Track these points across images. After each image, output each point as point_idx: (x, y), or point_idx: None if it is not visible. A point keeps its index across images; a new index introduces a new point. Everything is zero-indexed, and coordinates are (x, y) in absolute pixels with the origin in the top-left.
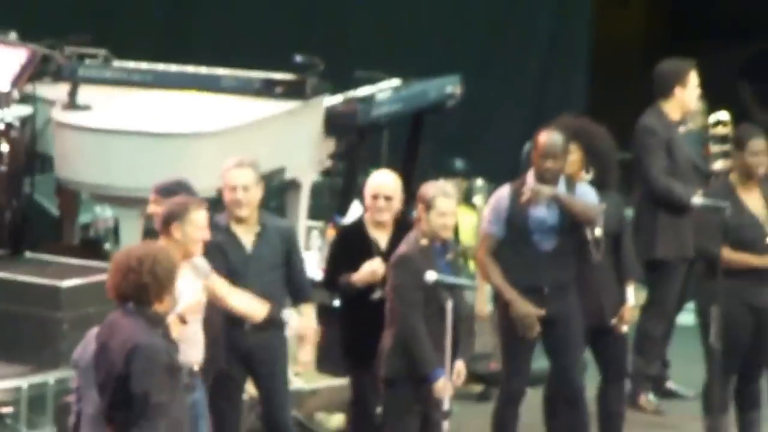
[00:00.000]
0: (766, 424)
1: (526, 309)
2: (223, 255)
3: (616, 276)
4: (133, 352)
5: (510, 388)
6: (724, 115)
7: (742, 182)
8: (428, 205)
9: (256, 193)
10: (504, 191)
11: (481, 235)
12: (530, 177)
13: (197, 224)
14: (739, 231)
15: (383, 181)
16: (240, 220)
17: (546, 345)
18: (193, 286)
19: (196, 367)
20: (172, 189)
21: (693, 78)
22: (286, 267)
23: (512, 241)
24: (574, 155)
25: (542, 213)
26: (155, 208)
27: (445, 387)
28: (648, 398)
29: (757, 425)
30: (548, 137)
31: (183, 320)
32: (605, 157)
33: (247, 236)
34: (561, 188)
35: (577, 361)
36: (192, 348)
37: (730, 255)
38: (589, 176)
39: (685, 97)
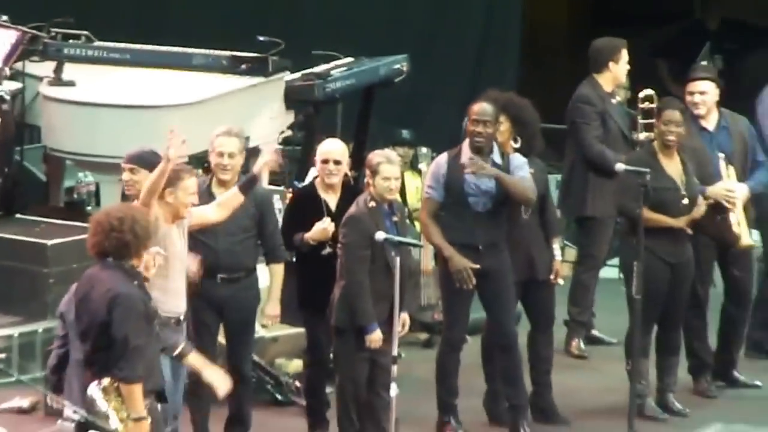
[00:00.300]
0: (682, 369)
1: (462, 263)
2: None
3: (543, 234)
4: (114, 301)
5: (450, 336)
6: (650, 92)
7: (662, 150)
8: (374, 171)
9: (239, 160)
10: (442, 159)
11: (423, 199)
12: (465, 146)
13: (188, 190)
14: (658, 194)
15: (332, 148)
16: (222, 183)
17: (481, 298)
18: (180, 243)
19: (182, 318)
20: (150, 158)
21: (625, 55)
22: (257, 229)
23: (450, 204)
24: (504, 126)
25: (477, 179)
26: (130, 176)
27: (378, 339)
28: (579, 344)
29: (674, 369)
30: (479, 106)
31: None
32: (531, 126)
33: None
34: (496, 157)
35: (510, 312)
36: (176, 300)
37: (649, 215)
38: (517, 145)
39: (618, 72)
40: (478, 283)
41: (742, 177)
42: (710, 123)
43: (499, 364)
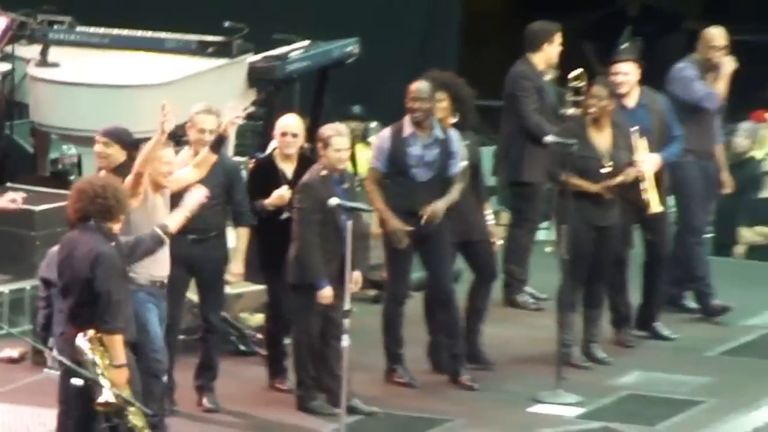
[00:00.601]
0: (605, 321)
1: (396, 225)
2: None
3: (476, 199)
4: (96, 260)
5: (394, 292)
6: (580, 71)
7: (591, 123)
8: (326, 143)
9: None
10: (386, 133)
11: (369, 168)
12: (406, 121)
13: (163, 160)
14: (582, 162)
15: (290, 122)
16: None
17: (422, 258)
18: (165, 212)
19: (165, 281)
20: (123, 135)
21: (558, 38)
22: (227, 196)
23: (394, 174)
24: (444, 102)
25: (419, 151)
26: (103, 149)
27: (327, 295)
28: (523, 299)
29: (598, 321)
30: (416, 85)
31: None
32: (467, 103)
33: None
34: (437, 132)
35: (447, 271)
36: (163, 265)
37: (574, 181)
38: (455, 119)
39: (551, 53)
40: (418, 245)
41: (658, 149)
42: (631, 101)
43: (439, 317)
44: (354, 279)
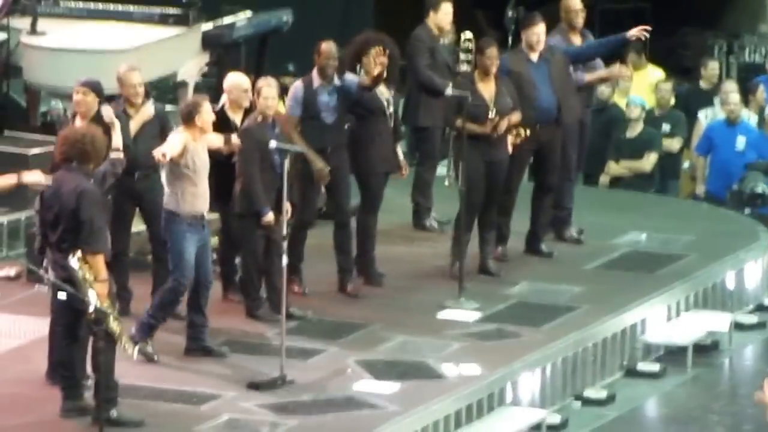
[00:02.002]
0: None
1: (320, 164)
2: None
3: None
4: (81, 195)
5: (301, 217)
6: (470, 34)
7: (481, 78)
8: (258, 93)
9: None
10: (299, 84)
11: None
12: (315, 74)
13: (209, 111)
14: (473, 109)
15: (242, 80)
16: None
17: (326, 188)
18: (204, 156)
19: (205, 215)
20: (97, 85)
21: (444, 7)
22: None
23: (307, 118)
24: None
25: (326, 98)
26: (82, 97)
27: (270, 219)
28: (430, 223)
29: (492, 242)
30: (326, 45)
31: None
32: (394, 60)
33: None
34: (336, 81)
35: (347, 198)
36: (204, 201)
37: (467, 125)
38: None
39: (437, 19)
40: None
41: (560, 94)
42: (535, 56)
43: (334, 237)
44: (287, 208)
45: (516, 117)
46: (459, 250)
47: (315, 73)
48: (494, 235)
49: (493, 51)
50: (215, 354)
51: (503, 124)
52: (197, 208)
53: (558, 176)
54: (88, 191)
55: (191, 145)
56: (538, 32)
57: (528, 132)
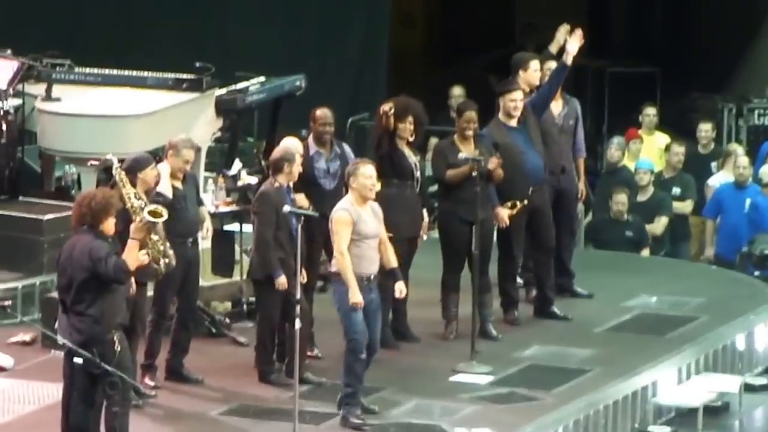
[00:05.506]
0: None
1: None
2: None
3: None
4: (90, 251)
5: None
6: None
7: (460, 141)
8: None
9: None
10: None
11: None
12: (310, 141)
13: (366, 175)
14: (455, 165)
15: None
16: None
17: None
18: (374, 223)
19: (372, 276)
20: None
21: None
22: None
23: (306, 185)
24: (410, 124)
25: (324, 165)
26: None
27: (283, 282)
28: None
29: (489, 304)
30: (322, 111)
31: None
32: (423, 125)
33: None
34: (335, 147)
35: None
36: (366, 262)
37: (448, 174)
38: (411, 138)
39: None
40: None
41: (542, 153)
42: (514, 121)
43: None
44: (304, 274)
45: (494, 162)
46: (448, 313)
47: (311, 139)
48: (491, 297)
49: (470, 114)
50: None
51: (496, 168)
52: (363, 270)
53: (556, 234)
54: (96, 244)
55: (357, 209)
56: (515, 98)
57: (525, 202)
